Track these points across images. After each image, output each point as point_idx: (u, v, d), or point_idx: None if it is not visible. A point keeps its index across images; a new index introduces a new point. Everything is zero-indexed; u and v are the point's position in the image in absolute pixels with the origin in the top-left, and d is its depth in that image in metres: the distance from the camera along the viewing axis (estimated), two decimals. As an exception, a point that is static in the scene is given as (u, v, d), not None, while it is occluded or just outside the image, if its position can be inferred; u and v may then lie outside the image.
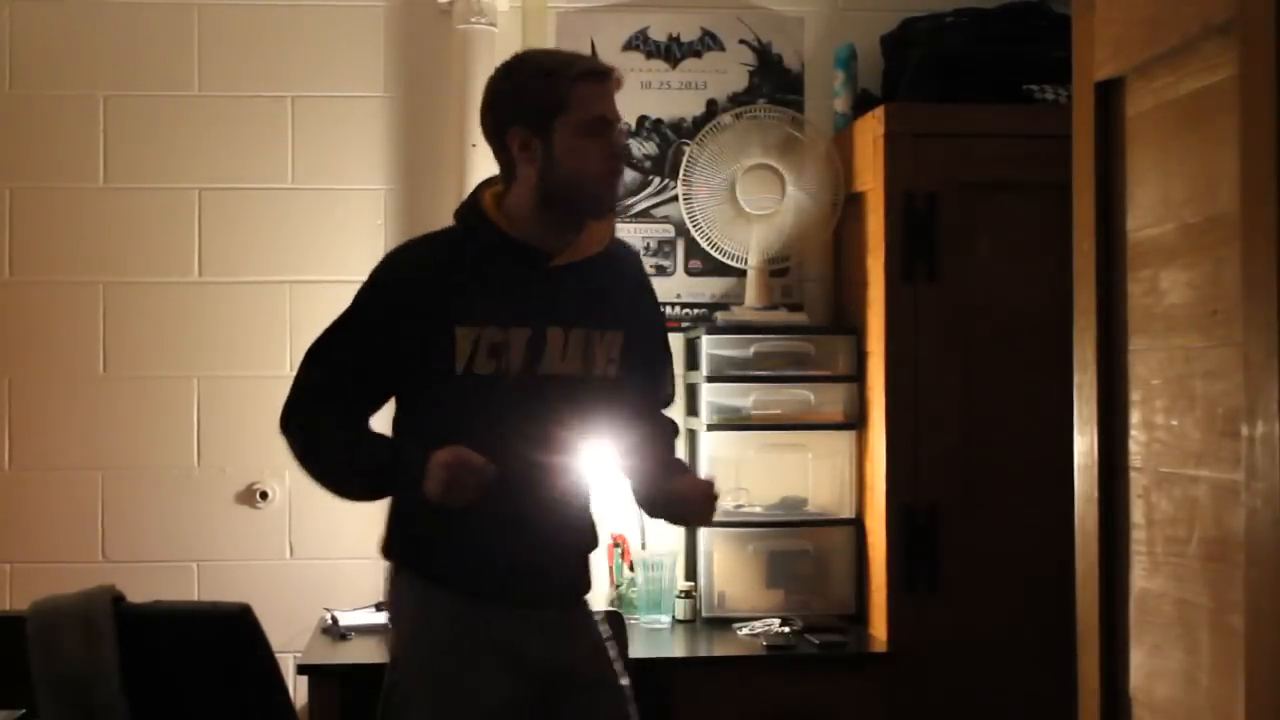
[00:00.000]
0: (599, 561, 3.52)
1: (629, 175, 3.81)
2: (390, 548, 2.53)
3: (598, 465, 2.58)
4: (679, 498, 2.51)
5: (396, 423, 2.52)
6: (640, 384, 2.56)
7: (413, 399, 2.47)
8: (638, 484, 2.59)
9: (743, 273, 3.72)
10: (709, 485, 2.53)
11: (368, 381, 2.45)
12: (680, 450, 3.72)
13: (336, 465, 2.47)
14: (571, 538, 2.51)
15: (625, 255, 2.62)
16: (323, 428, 2.45)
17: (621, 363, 2.48)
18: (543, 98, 2.38)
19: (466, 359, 2.37)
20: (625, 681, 2.52)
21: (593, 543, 2.57)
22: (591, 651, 2.50)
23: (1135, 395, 1.77)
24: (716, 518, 3.46)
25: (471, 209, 2.48)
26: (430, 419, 2.43)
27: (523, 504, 2.40)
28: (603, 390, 2.47)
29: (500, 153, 2.46)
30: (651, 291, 2.63)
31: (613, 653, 2.53)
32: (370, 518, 3.67)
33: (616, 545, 3.62)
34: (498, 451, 2.32)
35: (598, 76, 2.41)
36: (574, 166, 2.38)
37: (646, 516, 2.74)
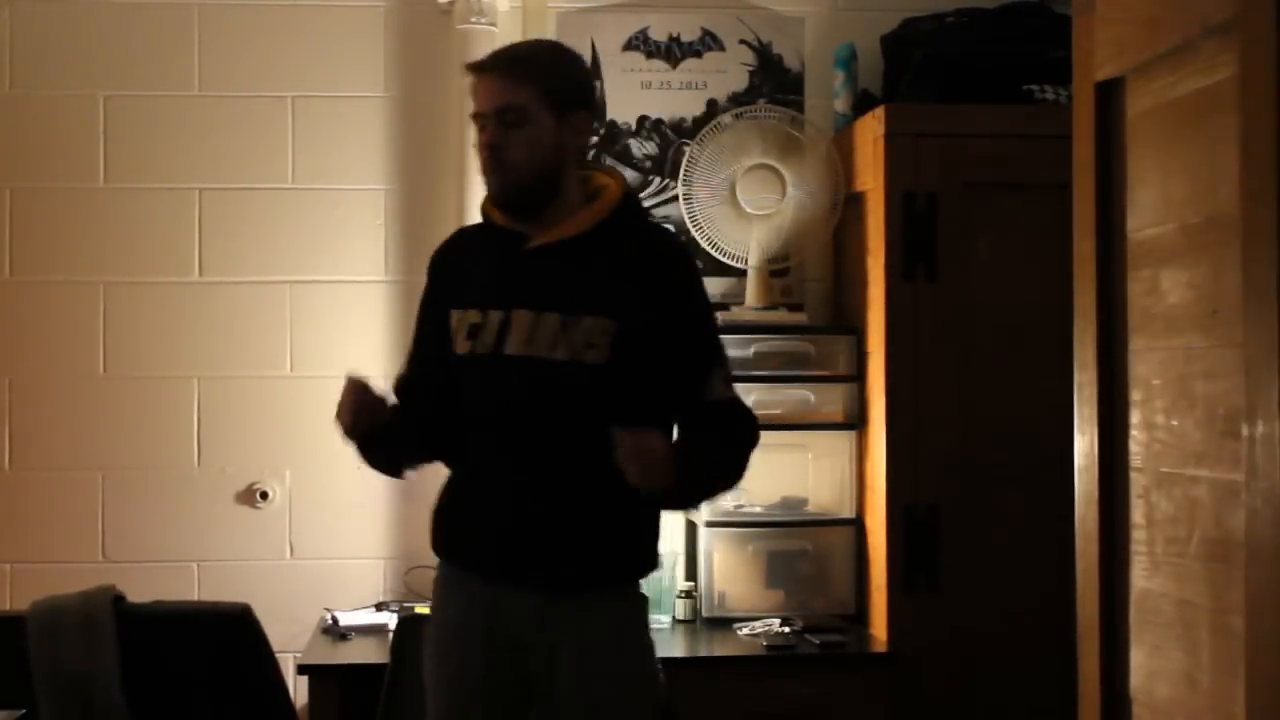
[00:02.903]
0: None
1: (629, 175, 3.81)
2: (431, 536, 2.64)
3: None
4: (620, 458, 2.35)
5: None
6: (671, 382, 2.48)
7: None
8: None
9: (743, 273, 3.71)
10: (645, 439, 2.36)
11: (421, 365, 2.61)
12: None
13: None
14: (567, 523, 2.44)
15: (648, 240, 2.57)
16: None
17: (610, 350, 2.42)
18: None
19: (454, 340, 2.51)
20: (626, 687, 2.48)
21: (608, 534, 2.47)
22: (578, 649, 2.43)
23: (1135, 395, 1.77)
24: (716, 517, 3.52)
25: (484, 203, 2.61)
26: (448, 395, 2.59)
27: (499, 480, 2.47)
28: (584, 376, 2.43)
29: None
30: (683, 285, 2.53)
31: (620, 652, 2.48)
32: (370, 518, 3.70)
33: (616, 545, 3.62)
34: (475, 428, 2.50)
35: (475, 71, 2.51)
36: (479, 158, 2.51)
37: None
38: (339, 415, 2.45)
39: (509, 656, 2.44)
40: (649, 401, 2.47)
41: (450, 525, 2.56)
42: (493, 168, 2.46)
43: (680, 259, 2.58)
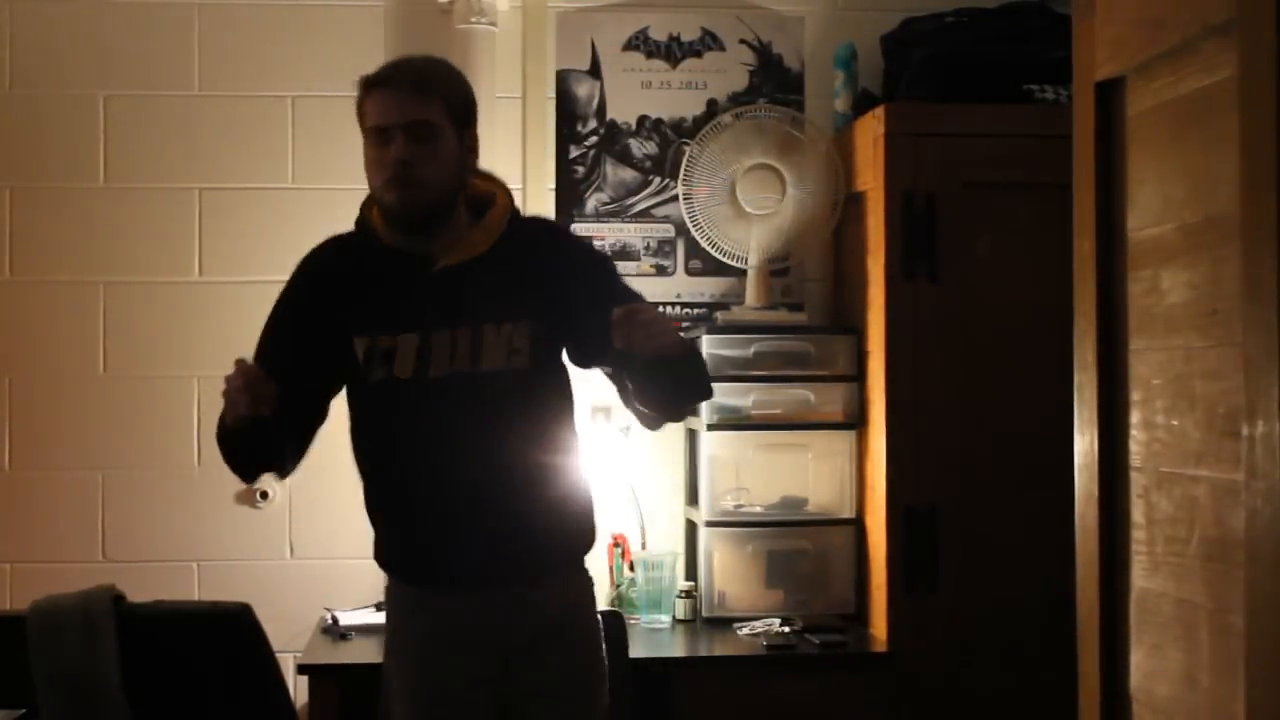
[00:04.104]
0: (599, 560, 3.53)
1: (628, 175, 3.81)
2: (374, 551, 2.64)
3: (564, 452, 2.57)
4: (618, 340, 2.33)
5: None
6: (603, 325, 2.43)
7: (349, 406, 2.56)
8: (636, 398, 2.52)
9: (743, 273, 3.72)
10: (624, 309, 2.34)
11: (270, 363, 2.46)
12: (679, 446, 3.73)
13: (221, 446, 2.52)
14: (513, 520, 2.47)
15: (537, 237, 2.58)
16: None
17: (533, 352, 2.45)
18: (357, 112, 2.52)
19: (363, 366, 2.46)
20: (592, 660, 2.55)
21: (554, 522, 2.53)
22: (550, 624, 2.50)
23: (1135, 395, 1.77)
24: (716, 517, 3.52)
25: (360, 219, 2.57)
26: (353, 422, 2.55)
27: (437, 498, 2.47)
28: (511, 382, 2.45)
29: None
30: (585, 257, 2.63)
31: (587, 626, 2.56)
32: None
33: (616, 545, 3.62)
34: (400, 451, 2.48)
35: (380, 85, 2.45)
36: (369, 176, 2.49)
37: (649, 411, 2.57)
38: (233, 401, 2.34)
39: (483, 658, 2.48)
40: (599, 370, 2.54)
41: (398, 549, 2.55)
42: (402, 183, 2.41)
43: (567, 238, 2.70)
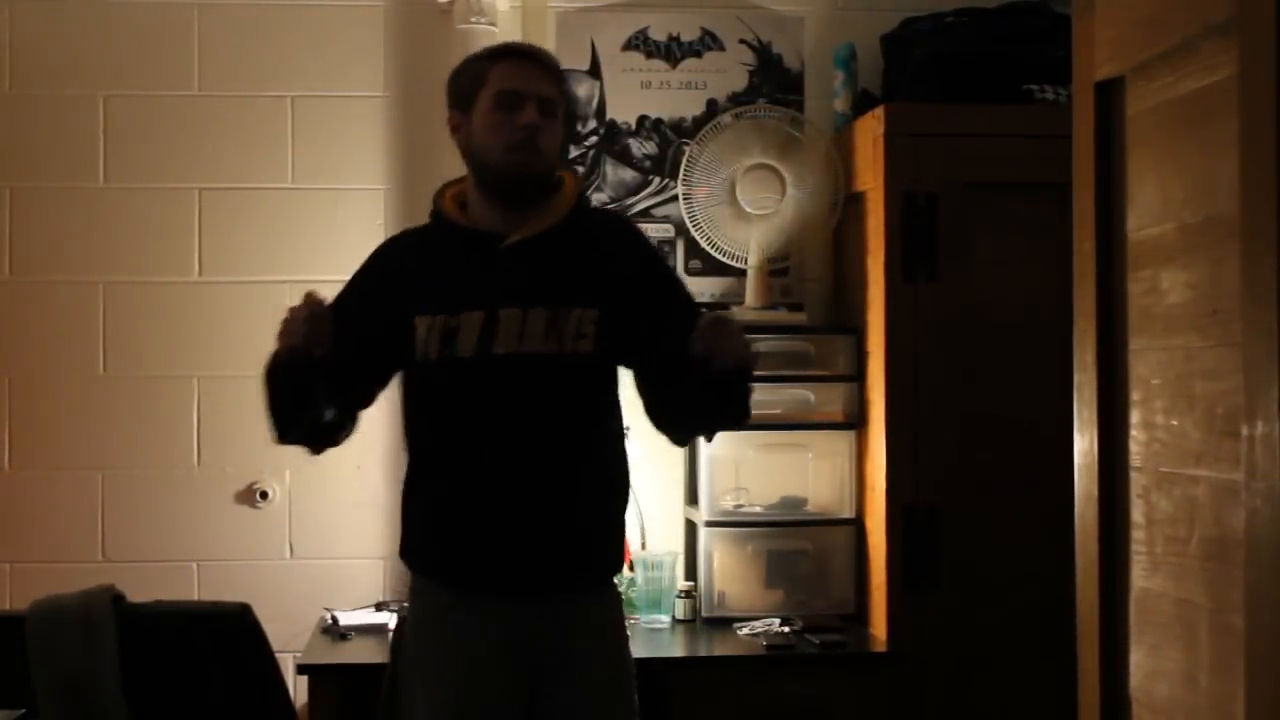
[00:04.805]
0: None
1: (628, 175, 3.81)
2: (402, 550, 2.60)
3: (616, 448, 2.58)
4: (699, 348, 2.36)
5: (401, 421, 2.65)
6: (663, 338, 2.49)
7: (403, 391, 2.59)
8: (685, 408, 2.54)
9: (743, 273, 3.72)
10: (714, 317, 2.40)
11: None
12: (681, 450, 3.74)
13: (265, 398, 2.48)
14: (564, 521, 2.47)
15: (606, 227, 2.64)
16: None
17: (596, 338, 2.47)
18: (466, 80, 2.53)
19: (423, 346, 2.46)
20: (620, 674, 2.53)
21: (601, 526, 2.53)
22: (589, 640, 2.49)
23: (1135, 395, 1.77)
24: (716, 517, 3.52)
25: (433, 205, 2.60)
26: (409, 407, 2.57)
27: (492, 485, 2.44)
28: (575, 368, 2.47)
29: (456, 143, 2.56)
30: (650, 255, 2.65)
31: (616, 644, 2.54)
32: (370, 518, 3.70)
33: (616, 545, 3.62)
34: (479, 433, 2.45)
35: (519, 56, 2.53)
36: (483, 140, 2.48)
37: (697, 420, 2.61)
38: (291, 331, 2.35)
39: (516, 663, 2.45)
40: (641, 372, 2.56)
41: (440, 547, 2.50)
42: (528, 147, 2.46)
43: (638, 235, 2.70)
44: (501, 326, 2.43)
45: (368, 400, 2.58)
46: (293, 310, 2.36)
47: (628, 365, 2.58)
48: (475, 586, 2.46)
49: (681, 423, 2.61)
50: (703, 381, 2.40)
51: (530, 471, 2.45)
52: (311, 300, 2.36)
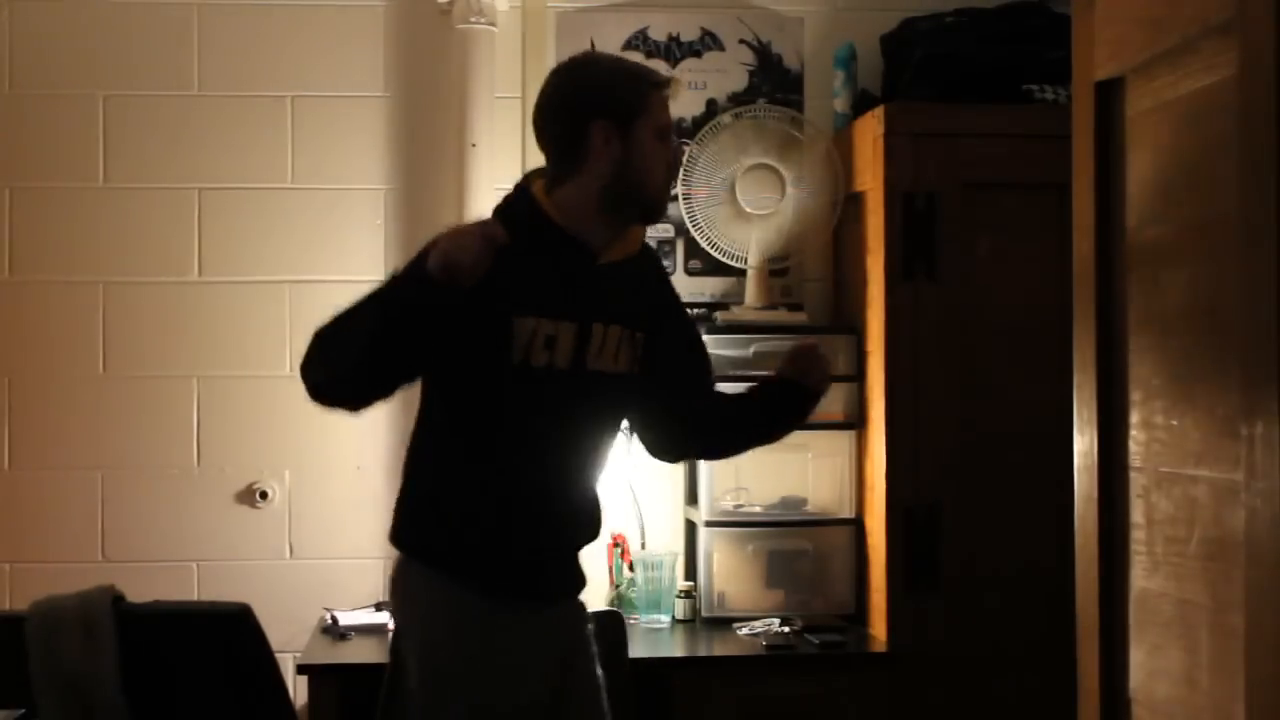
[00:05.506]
0: (599, 560, 3.54)
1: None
2: (402, 537, 2.48)
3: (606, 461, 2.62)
4: (790, 370, 2.61)
5: (433, 417, 2.47)
6: (696, 368, 2.68)
7: (463, 388, 2.42)
8: (745, 424, 2.69)
9: (743, 273, 3.72)
10: (807, 345, 2.63)
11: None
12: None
13: (340, 327, 2.31)
14: (579, 531, 2.55)
15: (648, 257, 2.68)
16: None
17: (643, 363, 2.55)
18: (630, 97, 2.46)
19: (524, 349, 2.38)
20: (600, 673, 2.57)
21: (594, 536, 2.60)
22: (583, 642, 2.55)
23: (1135, 395, 1.77)
24: (716, 517, 3.52)
25: (525, 199, 2.48)
26: (486, 408, 2.41)
27: (552, 494, 2.46)
28: (633, 389, 2.55)
29: (572, 144, 2.44)
30: (673, 288, 2.72)
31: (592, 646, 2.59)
32: (370, 518, 3.69)
33: (616, 545, 3.62)
34: (548, 444, 2.44)
35: (666, 87, 2.52)
36: (645, 167, 2.46)
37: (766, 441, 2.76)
38: (459, 247, 2.21)
39: (543, 671, 2.46)
40: (662, 400, 2.63)
41: (478, 549, 2.41)
42: (673, 182, 2.59)
43: (662, 265, 2.80)
44: (592, 341, 2.45)
45: (414, 375, 2.41)
46: (466, 228, 2.26)
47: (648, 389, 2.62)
48: (524, 593, 2.43)
49: (730, 442, 2.76)
50: (777, 403, 2.64)
51: (574, 481, 2.50)
52: (489, 226, 2.28)
